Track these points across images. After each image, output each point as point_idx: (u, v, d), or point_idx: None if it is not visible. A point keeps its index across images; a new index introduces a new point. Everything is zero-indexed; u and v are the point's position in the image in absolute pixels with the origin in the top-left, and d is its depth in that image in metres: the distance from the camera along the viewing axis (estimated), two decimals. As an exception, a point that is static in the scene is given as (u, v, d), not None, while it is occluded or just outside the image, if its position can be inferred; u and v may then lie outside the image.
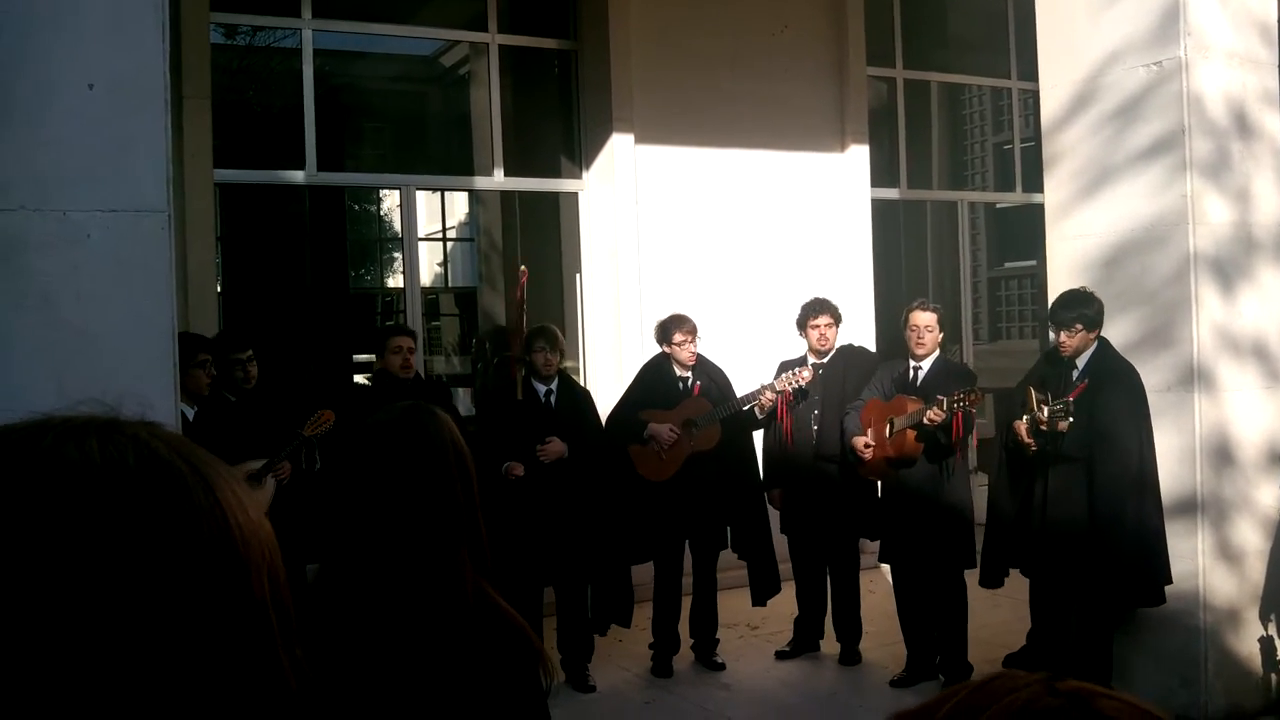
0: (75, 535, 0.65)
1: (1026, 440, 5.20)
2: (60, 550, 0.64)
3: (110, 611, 0.64)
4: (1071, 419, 5.00)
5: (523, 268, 6.40)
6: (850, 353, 6.46)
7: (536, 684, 1.99)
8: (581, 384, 6.59)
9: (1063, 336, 5.26)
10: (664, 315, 6.42)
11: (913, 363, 5.92)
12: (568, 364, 8.56)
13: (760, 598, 6.40)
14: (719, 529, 6.28)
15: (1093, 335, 5.26)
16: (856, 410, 5.98)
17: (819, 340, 6.32)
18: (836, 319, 6.34)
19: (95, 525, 0.65)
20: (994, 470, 5.70)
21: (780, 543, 6.55)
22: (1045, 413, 5.06)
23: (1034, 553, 5.35)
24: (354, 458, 2.01)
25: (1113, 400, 5.11)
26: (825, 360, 6.35)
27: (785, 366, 6.39)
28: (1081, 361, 5.29)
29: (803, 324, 6.38)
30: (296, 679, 0.72)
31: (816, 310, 6.36)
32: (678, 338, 6.22)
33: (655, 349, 6.51)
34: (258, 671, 0.70)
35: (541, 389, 6.09)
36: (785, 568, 6.68)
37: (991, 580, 5.63)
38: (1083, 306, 5.25)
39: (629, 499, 6.11)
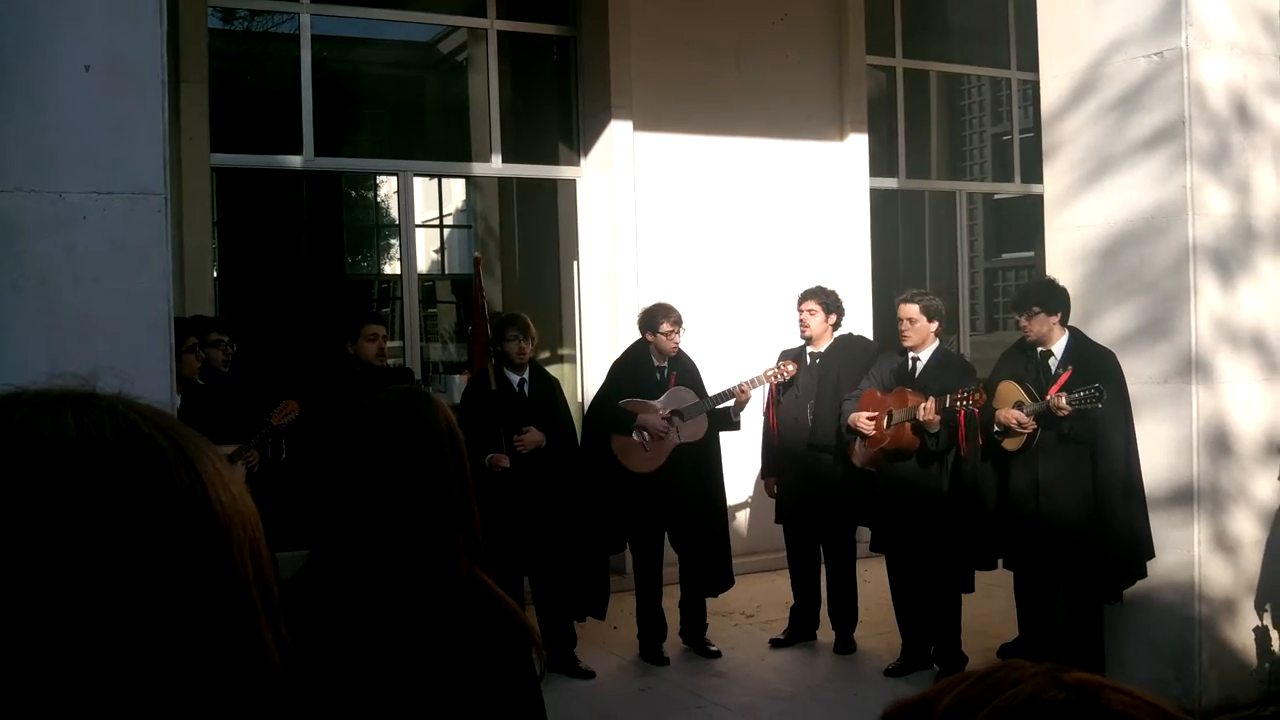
0: (51, 511, 0.63)
1: (1024, 425, 5.21)
2: (36, 527, 0.63)
3: (88, 588, 0.62)
4: (1101, 405, 5.00)
5: (477, 254, 6.37)
6: (848, 343, 6.44)
7: (530, 668, 1.99)
8: (556, 374, 6.53)
9: (1022, 321, 5.34)
10: (649, 303, 6.40)
11: (911, 354, 5.90)
12: (565, 352, 8.57)
13: (713, 589, 6.35)
14: (698, 520, 6.25)
15: (1055, 320, 5.30)
16: (854, 400, 5.96)
17: (800, 326, 6.34)
18: (825, 306, 6.31)
19: (72, 501, 0.64)
20: (970, 464, 5.67)
21: (775, 532, 6.54)
22: (1064, 400, 5.06)
23: (1022, 543, 5.36)
24: (348, 441, 2.00)
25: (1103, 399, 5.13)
26: (822, 350, 6.34)
27: (784, 356, 6.41)
28: (1058, 350, 5.32)
29: (797, 309, 6.39)
30: (280, 655, 0.71)
31: (804, 296, 6.39)
32: (665, 327, 6.18)
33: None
34: (240, 648, 0.68)
35: (515, 378, 6.04)
36: (780, 557, 6.67)
37: (964, 583, 5.73)
38: (1041, 292, 5.35)
39: (610, 490, 6.10)
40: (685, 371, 6.30)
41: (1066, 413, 5.08)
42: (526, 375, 6.07)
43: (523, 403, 6.00)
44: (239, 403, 5.70)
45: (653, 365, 6.27)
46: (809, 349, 6.38)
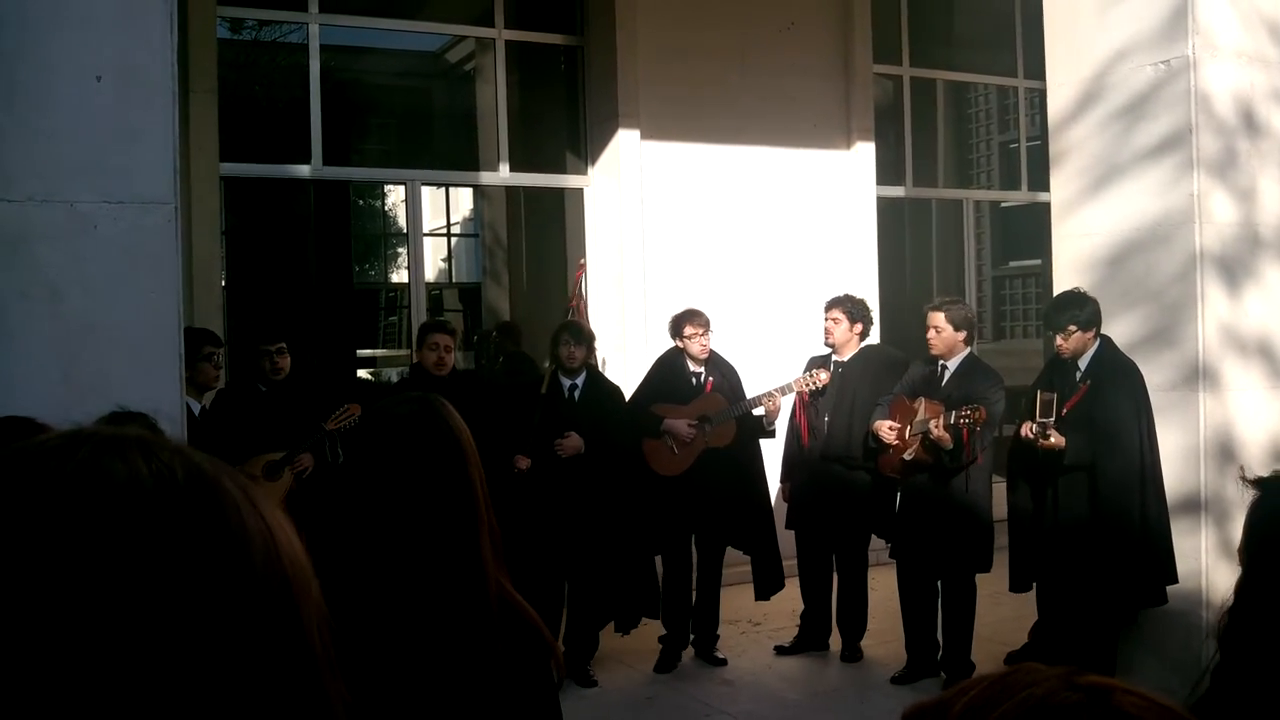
0: (128, 560, 0.59)
1: (1029, 435, 5.22)
2: (111, 576, 0.59)
3: (163, 641, 0.59)
4: (1053, 438, 5.05)
5: (581, 261, 6.43)
6: (871, 354, 6.43)
7: (549, 678, 1.99)
8: (611, 380, 6.55)
9: (1059, 340, 5.29)
10: (676, 310, 6.43)
11: (941, 362, 5.89)
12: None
13: (764, 593, 6.39)
14: (726, 525, 6.27)
15: (1090, 335, 5.26)
16: (886, 405, 5.95)
17: (825, 335, 6.34)
18: (850, 315, 6.29)
19: (149, 549, 0.60)
20: (1009, 473, 5.69)
21: (787, 539, 6.54)
22: (1035, 430, 5.09)
23: (1044, 552, 5.35)
24: (371, 450, 1.99)
25: (1115, 399, 5.12)
26: (846, 360, 6.34)
27: (812, 363, 6.40)
28: (1084, 363, 5.30)
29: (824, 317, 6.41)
30: (342, 708, 0.68)
31: (828, 305, 6.39)
32: (688, 331, 6.22)
33: (660, 344, 6.50)
34: (304, 704, 0.65)
35: (566, 383, 6.10)
36: (790, 564, 6.67)
37: (1019, 584, 5.63)
38: (1074, 308, 5.27)
39: (641, 493, 6.11)
40: (722, 375, 6.32)
41: (1032, 439, 5.11)
42: (580, 381, 6.11)
43: (570, 407, 6.03)
44: (298, 408, 5.77)
45: (688, 370, 6.30)
46: (834, 357, 6.38)
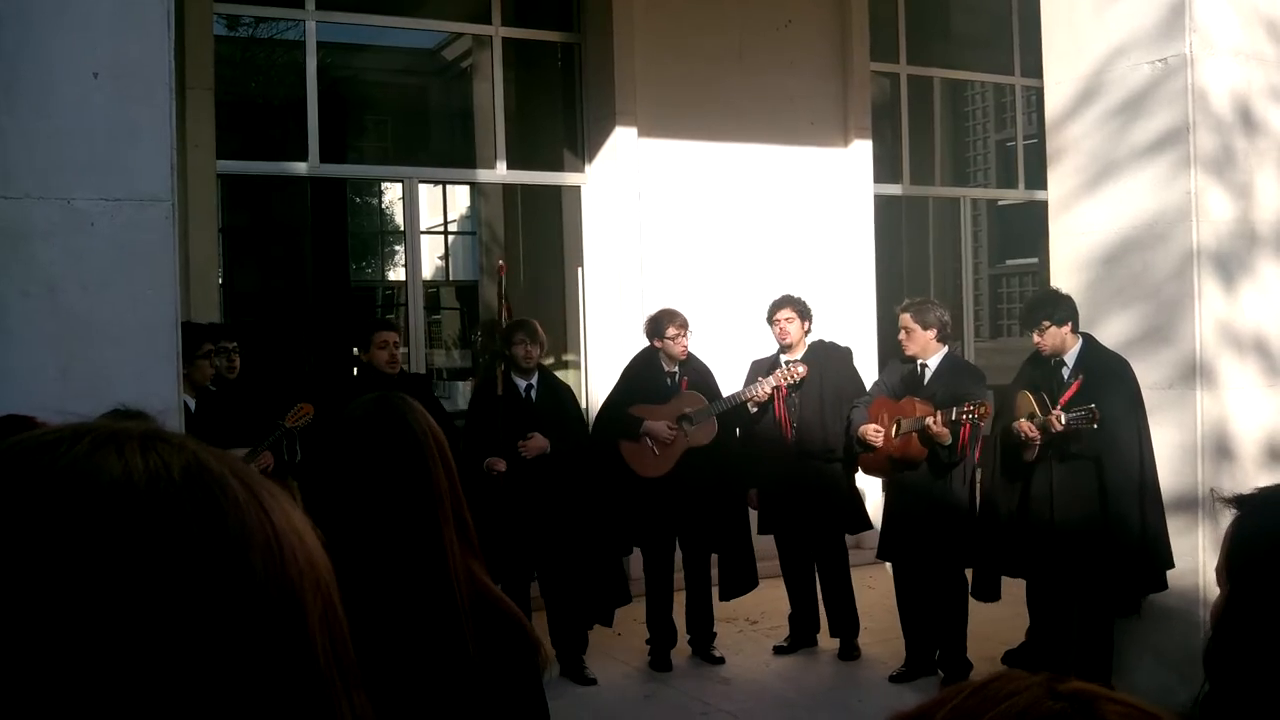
0: (104, 564, 0.56)
1: (1031, 436, 5.19)
2: (85, 581, 0.56)
3: (140, 650, 0.56)
4: (1096, 425, 5.00)
5: (500, 262, 6.45)
6: (825, 348, 6.47)
7: (534, 672, 1.98)
8: (562, 379, 6.59)
9: (1035, 337, 5.31)
10: (654, 310, 6.43)
11: (920, 361, 5.90)
12: (569, 358, 8.58)
13: (728, 594, 6.34)
14: (710, 524, 6.26)
15: (1066, 329, 5.27)
16: (864, 406, 5.97)
17: (779, 334, 6.37)
18: (800, 314, 6.34)
19: (129, 554, 0.57)
20: (988, 473, 5.68)
21: (766, 541, 6.51)
22: (1063, 419, 5.04)
23: (1036, 552, 5.34)
24: (329, 454, 2.01)
25: (1110, 400, 5.11)
26: (799, 357, 6.35)
27: (756, 366, 6.42)
28: (1070, 359, 5.30)
29: (770, 319, 6.41)
30: None
31: (780, 304, 6.40)
32: (670, 332, 6.21)
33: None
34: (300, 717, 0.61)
35: (522, 384, 6.07)
36: (773, 564, 6.66)
37: (987, 593, 5.64)
38: (1047, 305, 5.30)
39: (620, 494, 6.11)
40: (697, 375, 6.32)
41: (1060, 429, 5.08)
42: (534, 380, 6.09)
43: (528, 408, 6.01)
44: (251, 407, 5.75)
45: (663, 370, 6.30)
46: (784, 357, 6.39)
